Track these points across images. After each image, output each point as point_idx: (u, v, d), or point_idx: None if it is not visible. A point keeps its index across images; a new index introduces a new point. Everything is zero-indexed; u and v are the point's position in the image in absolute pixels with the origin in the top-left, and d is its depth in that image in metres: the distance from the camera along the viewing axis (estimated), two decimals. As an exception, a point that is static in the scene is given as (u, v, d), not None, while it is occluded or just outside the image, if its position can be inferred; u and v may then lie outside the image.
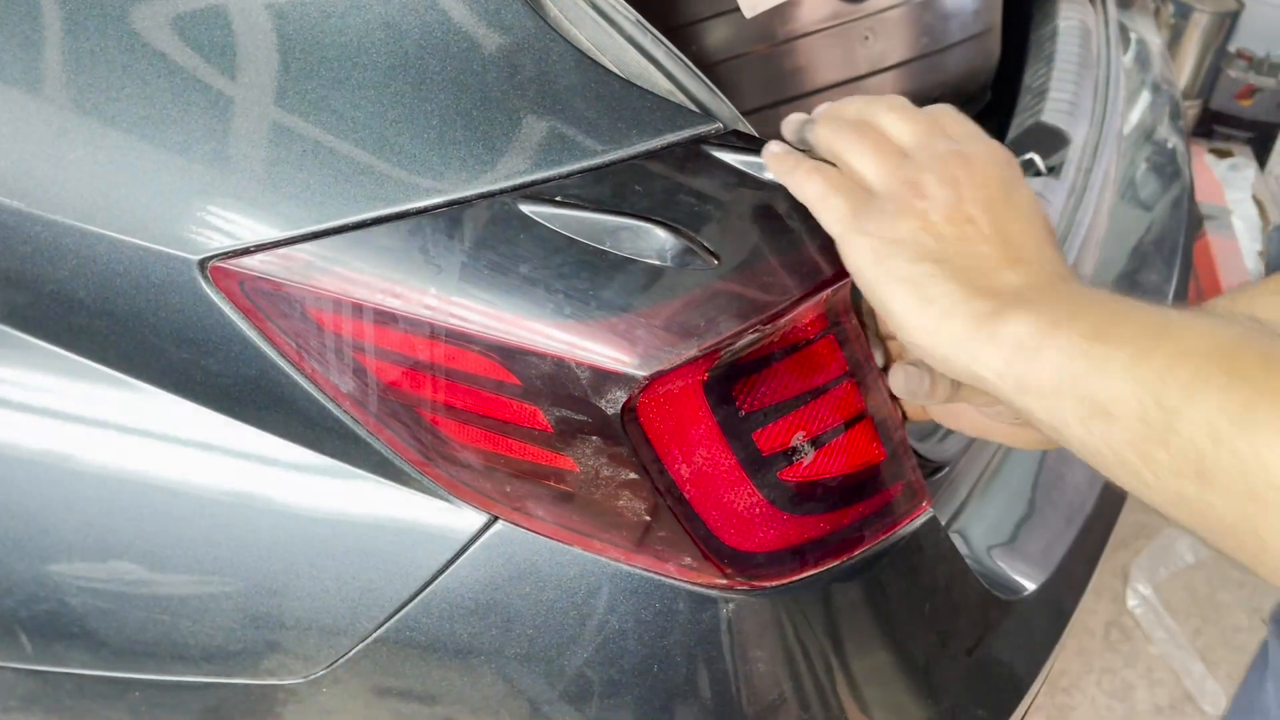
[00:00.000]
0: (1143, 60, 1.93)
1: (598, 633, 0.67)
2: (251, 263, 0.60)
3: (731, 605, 0.67)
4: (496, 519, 0.66)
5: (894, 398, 0.68)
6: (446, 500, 0.66)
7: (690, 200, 0.60)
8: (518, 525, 0.66)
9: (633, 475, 0.60)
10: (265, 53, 0.64)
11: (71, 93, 0.63)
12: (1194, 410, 0.42)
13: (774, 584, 0.66)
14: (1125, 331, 0.46)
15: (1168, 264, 1.41)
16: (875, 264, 0.55)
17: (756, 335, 0.58)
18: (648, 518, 0.62)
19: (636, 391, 0.57)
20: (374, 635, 0.69)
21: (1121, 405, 0.44)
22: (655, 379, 0.57)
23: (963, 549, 0.93)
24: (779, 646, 0.70)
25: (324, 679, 0.72)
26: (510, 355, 0.58)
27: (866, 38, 1.68)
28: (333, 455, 0.66)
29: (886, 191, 0.57)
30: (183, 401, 0.67)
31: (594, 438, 0.59)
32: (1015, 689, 0.89)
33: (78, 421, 0.69)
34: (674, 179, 0.61)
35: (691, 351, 0.56)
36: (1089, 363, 0.46)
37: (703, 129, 0.63)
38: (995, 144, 0.60)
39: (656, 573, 0.66)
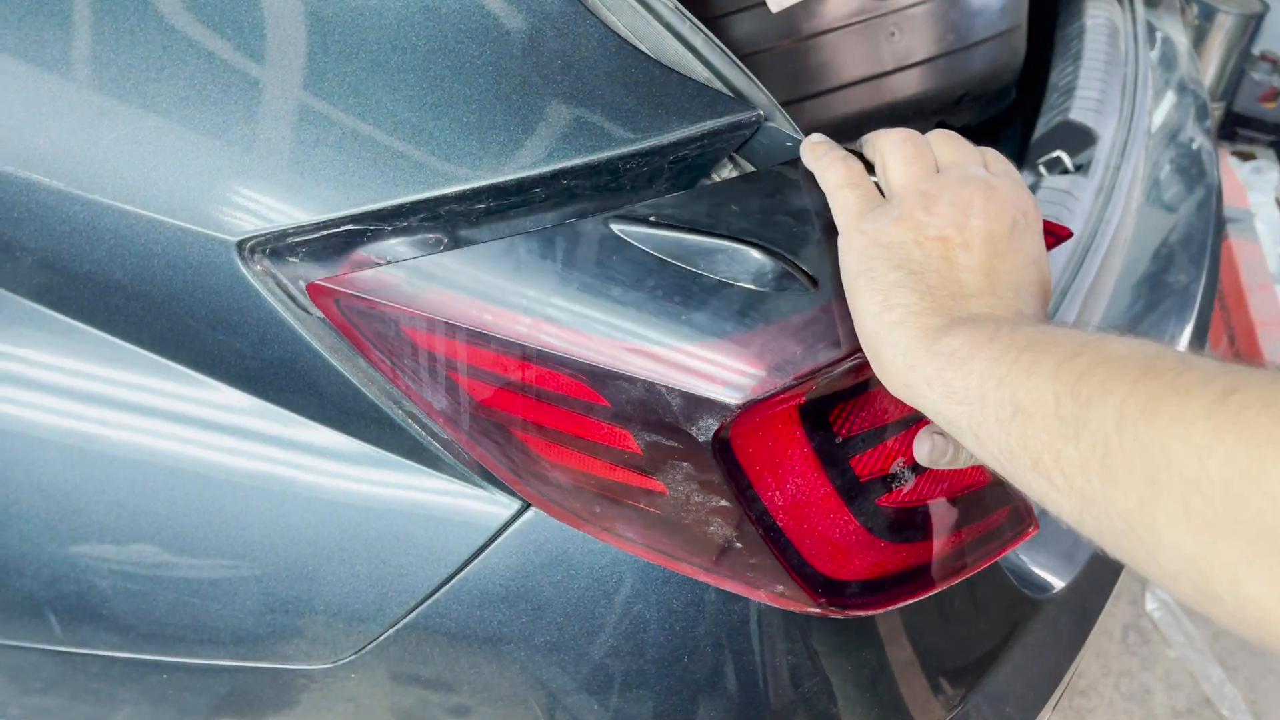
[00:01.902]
0: (1169, 60, 1.91)
1: (627, 622, 0.67)
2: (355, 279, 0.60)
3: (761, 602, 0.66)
4: (529, 506, 0.66)
5: None
6: (480, 486, 0.65)
7: (788, 221, 0.59)
8: (608, 543, 0.65)
9: (724, 502, 0.59)
10: (303, 35, 0.63)
11: (111, 73, 0.62)
12: (1105, 402, 0.42)
13: (869, 612, 0.65)
14: (1056, 343, 0.46)
15: (1195, 264, 1.40)
16: (857, 261, 0.55)
17: (855, 362, 0.57)
18: (739, 544, 0.61)
19: (729, 419, 0.56)
20: (404, 621, 0.69)
21: (1040, 403, 0.44)
22: (749, 407, 0.56)
23: (991, 546, 0.92)
24: (807, 640, 0.69)
25: (351, 665, 0.72)
26: (601, 379, 0.57)
27: (892, 34, 1.67)
28: (364, 439, 0.65)
29: (899, 197, 0.57)
30: (217, 384, 0.67)
31: (685, 463, 0.58)
32: (1042, 689, 0.89)
33: (110, 403, 0.69)
34: (772, 199, 0.60)
35: (787, 380, 0.55)
36: (1015, 367, 0.46)
37: (742, 116, 0.63)
38: (1026, 191, 0.60)
39: (748, 598, 0.65)
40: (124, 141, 0.62)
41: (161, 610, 0.72)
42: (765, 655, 0.68)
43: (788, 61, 1.73)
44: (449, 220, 0.64)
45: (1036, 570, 0.92)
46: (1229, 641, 2.01)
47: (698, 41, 0.68)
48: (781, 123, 0.72)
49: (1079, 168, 1.42)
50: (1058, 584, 0.92)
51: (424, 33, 0.63)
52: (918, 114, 1.78)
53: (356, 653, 0.71)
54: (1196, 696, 1.90)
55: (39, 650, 0.78)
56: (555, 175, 0.61)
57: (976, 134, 1.92)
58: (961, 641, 0.79)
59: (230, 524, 0.69)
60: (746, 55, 1.70)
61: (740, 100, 0.63)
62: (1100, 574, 0.99)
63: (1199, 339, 1.29)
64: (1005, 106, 1.93)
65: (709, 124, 0.62)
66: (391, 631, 0.70)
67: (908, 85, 1.72)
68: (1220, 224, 1.52)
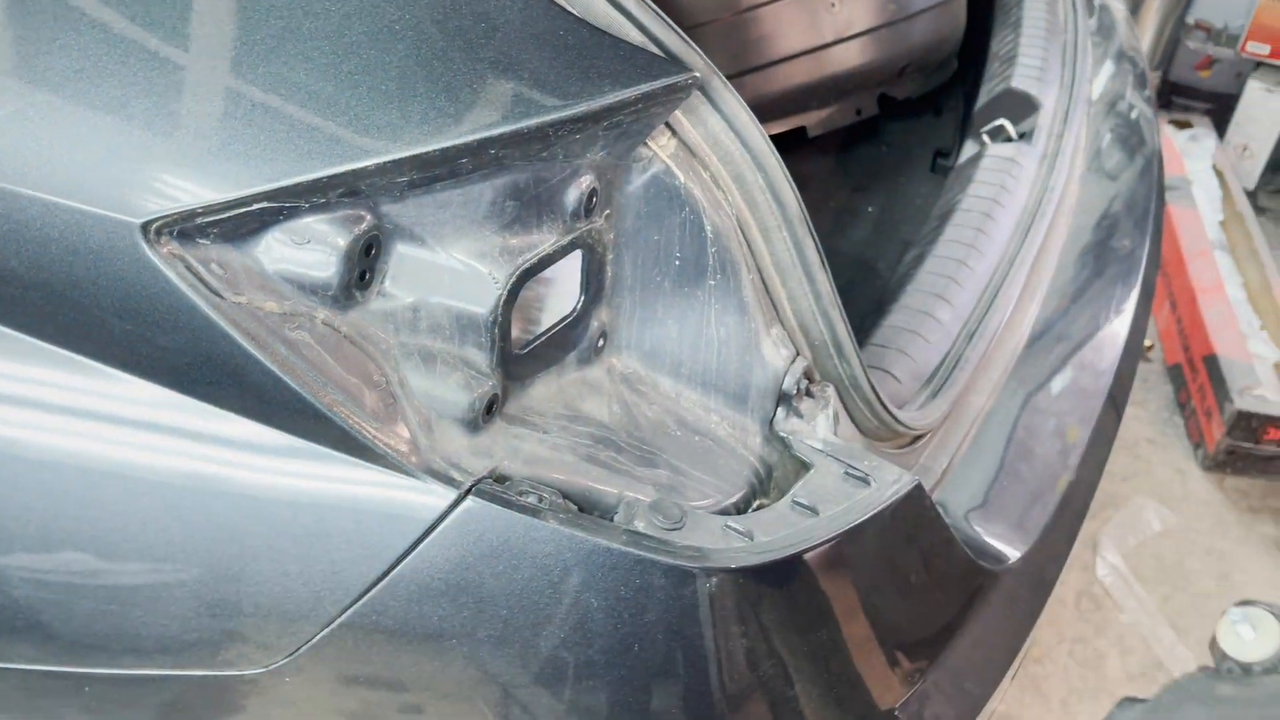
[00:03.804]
0: (1107, 28, 1.91)
1: (575, 612, 0.64)
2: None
3: (714, 581, 0.64)
4: (466, 496, 0.62)
5: None
6: (412, 476, 0.62)
7: None
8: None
9: None
10: (207, 2, 0.59)
11: (-3, 45, 0.58)
12: None
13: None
14: None
15: (1139, 229, 1.40)
16: None
17: None
18: None
19: None
20: (339, 620, 0.65)
21: None
22: None
23: (947, 517, 0.90)
24: (762, 622, 0.67)
25: (286, 668, 0.68)
26: None
27: (833, 5, 1.65)
28: (289, 431, 0.62)
29: None
30: (127, 377, 0.62)
31: None
32: (1001, 660, 0.88)
33: (12, 401, 0.64)
34: None
35: None
36: None
37: (677, 79, 0.60)
38: None
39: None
40: (13, 119, 0.57)
41: (80, 620, 0.68)
42: (718, 638, 0.66)
43: (729, 35, 1.70)
44: (371, 196, 0.60)
45: (991, 541, 0.91)
46: (1180, 604, 2.04)
47: (629, 3, 0.65)
48: (720, 88, 0.69)
49: (1022, 135, 1.41)
50: (1013, 554, 0.90)
51: (342, 3, 0.59)
52: (860, 87, 1.76)
53: (291, 656, 0.67)
54: (1149, 659, 1.92)
55: (-48, 666, 0.74)
56: (482, 145, 0.58)
57: (918, 105, 1.91)
58: (918, 616, 0.77)
59: (149, 526, 0.65)
60: (687, 29, 1.67)
61: (674, 62, 0.60)
62: (1055, 543, 0.98)
63: (1144, 303, 1.29)
64: (948, 78, 1.92)
65: (643, 87, 0.59)
66: (326, 632, 0.66)
67: (849, 57, 1.70)
68: (1162, 190, 1.52)
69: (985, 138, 1.42)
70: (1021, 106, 1.45)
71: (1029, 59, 1.54)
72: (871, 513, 0.71)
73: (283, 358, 0.59)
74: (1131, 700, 0.51)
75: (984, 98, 1.51)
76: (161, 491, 0.64)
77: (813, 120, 1.74)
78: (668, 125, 0.68)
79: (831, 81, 1.72)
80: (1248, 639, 0.45)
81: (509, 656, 0.65)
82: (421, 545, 0.63)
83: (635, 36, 0.65)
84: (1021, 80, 1.49)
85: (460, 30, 0.59)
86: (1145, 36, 3.24)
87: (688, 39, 0.67)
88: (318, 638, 0.66)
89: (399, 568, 0.64)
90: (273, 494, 0.64)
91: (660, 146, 0.68)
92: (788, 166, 1.84)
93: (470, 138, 0.57)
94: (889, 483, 0.73)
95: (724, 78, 0.69)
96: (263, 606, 0.66)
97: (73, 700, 0.73)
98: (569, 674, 0.66)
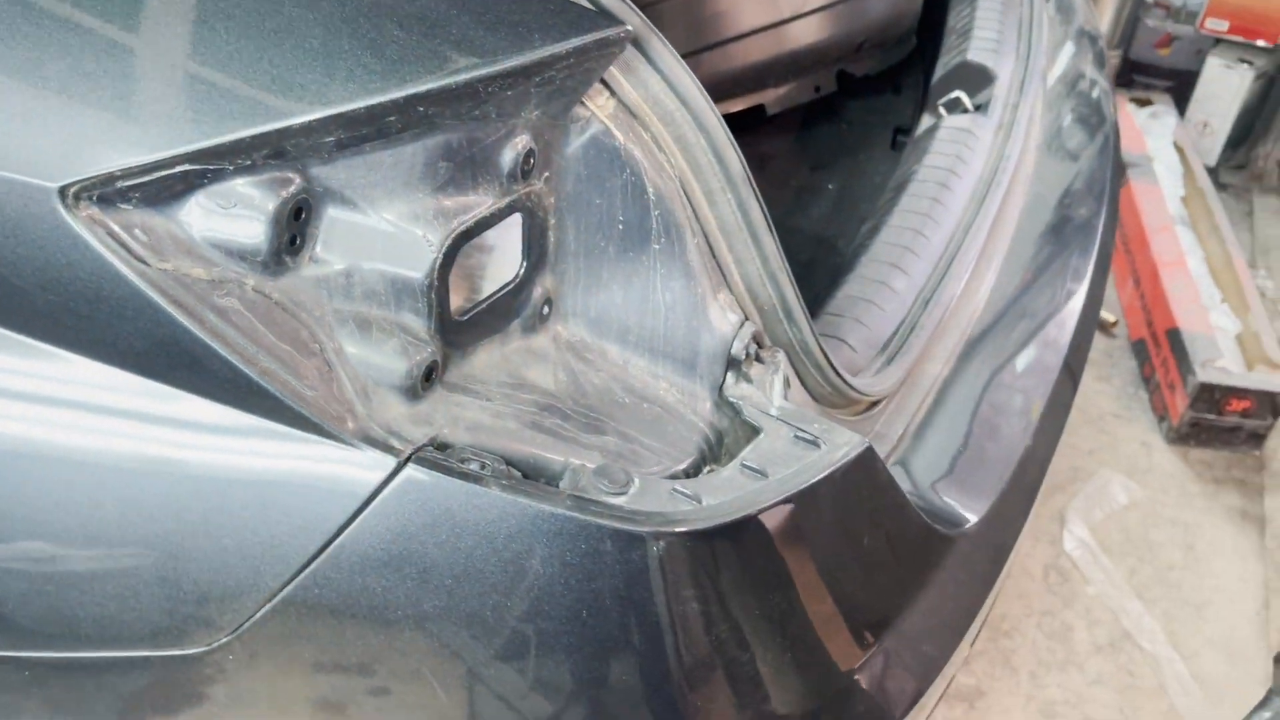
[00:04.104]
0: (1066, 7, 1.92)
1: (521, 579, 0.63)
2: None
3: (661, 544, 0.63)
4: (405, 464, 0.61)
5: None
6: (350, 445, 0.61)
7: None
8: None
9: None
10: (127, -39, 0.58)
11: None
12: None
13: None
14: None
15: (1096, 199, 1.40)
16: None
17: None
18: None
19: None
20: (280, 595, 0.64)
21: None
22: None
23: (903, 482, 0.90)
24: (713, 586, 0.66)
25: (230, 646, 0.67)
26: None
27: (789, -20, 1.64)
28: (221, 401, 0.60)
29: None
30: (52, 350, 0.61)
31: None
32: (958, 624, 0.87)
33: (-63, 377, 0.62)
34: None
35: None
36: None
37: (609, 33, 0.59)
38: None
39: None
40: (-77, 82, 0.56)
41: (14, 602, 0.67)
42: (667, 602, 0.65)
43: (687, 11, 1.69)
44: (298, 157, 0.59)
45: (947, 505, 0.90)
46: (1146, 576, 2.05)
47: (563, -40, 0.64)
48: (659, 48, 0.68)
49: (978, 107, 1.41)
50: (969, 519, 0.90)
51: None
52: (818, 63, 1.76)
53: (233, 633, 0.66)
54: (1116, 630, 1.94)
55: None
56: (409, 101, 0.56)
57: (878, 83, 1.91)
58: (873, 579, 0.77)
59: (81, 505, 0.63)
60: (644, 6, 1.66)
61: (606, 16, 0.59)
62: (1012, 508, 0.98)
63: (1100, 271, 1.30)
64: (906, 54, 1.92)
65: (574, 42, 0.58)
66: (269, 607, 0.65)
67: (807, 33, 1.70)
68: (1119, 160, 1.53)
69: (942, 110, 1.42)
70: (977, 78, 1.45)
71: (985, 32, 1.54)
72: (821, 475, 0.70)
73: (212, 325, 0.58)
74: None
75: (940, 71, 1.51)
76: (91, 468, 0.62)
77: (771, 98, 1.73)
78: (606, 85, 0.67)
79: (789, 58, 1.71)
80: None
81: (455, 627, 0.64)
82: (361, 516, 0.62)
83: (570, -7, 0.64)
84: (977, 53, 1.49)
85: (386, -14, 0.57)
86: (1105, 15, 3.26)
87: (624, -5, 0.66)
88: (260, 613, 0.65)
89: (339, 539, 0.62)
90: (207, 467, 0.62)
91: (598, 107, 0.67)
92: (748, 145, 1.84)
93: (396, 94, 0.56)
94: (839, 445, 0.73)
95: (663, 37, 0.68)
96: (202, 584, 0.65)
97: (10, 685, 0.71)
98: (516, 642, 0.65)
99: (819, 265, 1.50)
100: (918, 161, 1.27)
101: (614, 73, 0.66)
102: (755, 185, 0.74)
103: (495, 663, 0.66)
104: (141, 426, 0.62)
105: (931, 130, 1.35)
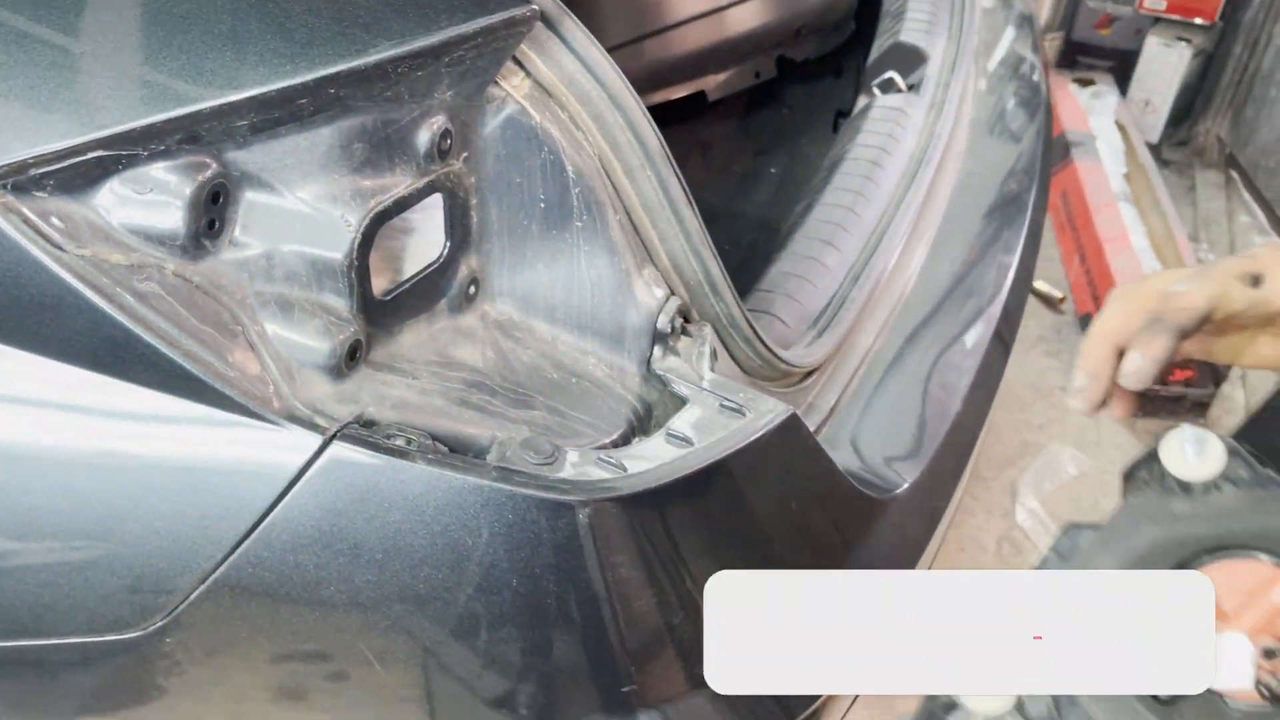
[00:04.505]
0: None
1: (451, 551, 0.64)
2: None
3: (587, 511, 0.65)
4: (331, 442, 0.62)
5: None
6: (275, 425, 0.62)
7: None
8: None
9: None
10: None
11: None
12: None
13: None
14: None
15: (1027, 174, 1.43)
16: None
17: None
18: None
19: None
20: (213, 576, 0.65)
21: None
22: None
23: (836, 451, 0.92)
24: (639, 550, 0.68)
25: (166, 629, 0.68)
26: None
27: (725, -33, 1.66)
28: (145, 385, 0.61)
29: None
30: (-27, 338, 0.61)
31: None
32: (891, 586, 0.90)
33: None
34: None
35: None
36: None
37: (515, 12, 0.60)
38: None
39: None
40: None
41: (-52, 594, 0.67)
42: (594, 569, 0.66)
43: (626, 1, 1.71)
44: (213, 142, 0.59)
45: (878, 472, 0.92)
46: (1095, 543, 2.09)
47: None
48: (572, 29, 0.70)
49: (911, 87, 1.43)
50: (901, 484, 0.92)
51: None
52: (757, 49, 1.78)
53: (168, 615, 0.67)
54: (1068, 598, 1.97)
55: None
56: (319, 84, 0.57)
57: (819, 68, 1.93)
58: (801, 542, 0.78)
59: (9, 494, 0.64)
60: (583, -1, 1.68)
61: (514, -4, 0.61)
62: (943, 473, 1.01)
63: (1031, 243, 1.33)
64: (845, 38, 1.94)
65: (480, 22, 0.59)
66: (202, 589, 0.66)
67: (745, 20, 1.72)
68: (1050, 137, 1.56)
69: (876, 90, 1.44)
70: (910, 59, 1.47)
71: (917, 13, 1.57)
72: (745, 441, 0.72)
73: (132, 309, 0.59)
74: (1077, 526, 0.51)
75: (875, 53, 1.54)
76: (17, 457, 0.63)
77: (712, 84, 1.75)
78: (520, 65, 0.68)
79: (728, 45, 1.73)
80: (1191, 460, 0.47)
81: (386, 600, 0.65)
82: (290, 494, 0.63)
83: (481, -24, 0.65)
84: (910, 34, 1.52)
85: (294, -29, 0.58)
86: (1047, -2, 3.31)
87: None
88: (194, 595, 0.66)
89: (269, 519, 0.63)
90: (134, 451, 0.63)
91: (513, 87, 0.68)
92: (691, 131, 1.84)
93: (306, 77, 0.57)
94: (764, 414, 0.75)
95: (575, 18, 0.69)
96: (136, 568, 0.66)
97: (-50, 678, 0.71)
98: (449, 613, 0.66)
99: (761, 248, 1.52)
100: (851, 141, 1.29)
101: (528, 53, 0.68)
102: (674, 162, 0.75)
103: (430, 635, 0.67)
104: (66, 413, 0.62)
105: (865, 110, 1.37)
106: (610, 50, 1.77)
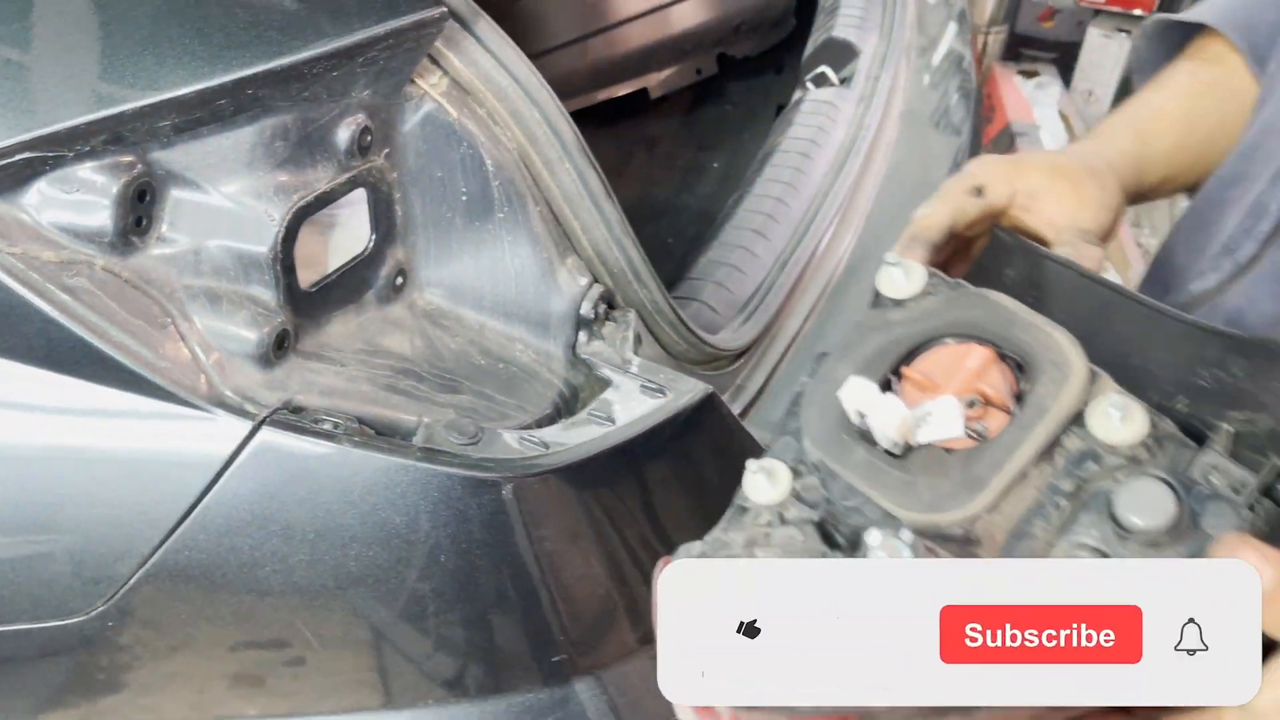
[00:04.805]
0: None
1: (379, 530, 0.67)
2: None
3: (509, 488, 0.68)
4: (261, 427, 0.65)
5: None
6: (207, 412, 0.65)
7: None
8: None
9: None
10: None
11: None
12: None
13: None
14: None
15: (955, 164, 1.48)
16: None
17: None
18: None
19: None
20: (152, 560, 0.68)
21: None
22: None
23: (764, 428, 0.96)
24: (562, 525, 0.71)
25: (110, 613, 0.70)
26: None
27: (665, -33, 1.70)
28: (80, 376, 0.64)
29: None
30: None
31: None
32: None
33: None
34: None
35: None
36: None
37: (425, 15, 0.64)
38: None
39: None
40: None
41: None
42: (523, 543, 0.70)
43: (569, 2, 1.74)
44: (138, 142, 0.62)
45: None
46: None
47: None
48: (487, 28, 0.73)
49: (843, 80, 1.48)
50: (826, 460, 0.96)
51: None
52: (698, 47, 1.82)
53: (109, 600, 0.69)
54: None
55: None
56: (238, 85, 0.60)
57: (761, 64, 1.98)
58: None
59: (-50, 483, 0.66)
60: (527, -2, 1.72)
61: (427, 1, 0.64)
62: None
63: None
64: (786, 34, 1.99)
65: (391, 24, 0.62)
66: (141, 572, 0.68)
67: (684, 18, 1.76)
68: (979, 124, 1.61)
69: (810, 85, 1.48)
70: (842, 54, 1.52)
71: (850, 9, 1.61)
72: (664, 418, 0.76)
73: (63, 304, 0.61)
74: (824, 353, 0.58)
75: (810, 48, 1.58)
76: (-43, 447, 0.65)
77: (654, 82, 1.79)
78: (437, 64, 0.71)
79: (670, 43, 1.77)
80: (900, 282, 0.57)
81: (320, 578, 0.68)
82: (223, 478, 0.66)
83: (396, -22, 0.68)
84: (843, 29, 1.56)
85: (211, -22, 0.61)
86: (991, -9, 3.37)
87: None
88: (135, 579, 0.68)
89: (204, 502, 0.66)
90: (69, 441, 0.66)
91: (431, 85, 0.71)
92: (638, 128, 1.87)
93: (224, 78, 0.60)
94: (684, 392, 0.78)
95: (490, 19, 0.73)
96: (75, 554, 0.68)
97: (-102, 671, 0.74)
98: (381, 590, 0.69)
99: (704, 240, 1.56)
100: (782, 134, 1.33)
101: (445, 52, 0.71)
102: (592, 156, 0.79)
103: (363, 611, 0.70)
104: (0, 407, 0.65)
105: (796, 104, 1.41)
106: (554, 49, 1.80)
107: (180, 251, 0.66)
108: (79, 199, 0.62)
